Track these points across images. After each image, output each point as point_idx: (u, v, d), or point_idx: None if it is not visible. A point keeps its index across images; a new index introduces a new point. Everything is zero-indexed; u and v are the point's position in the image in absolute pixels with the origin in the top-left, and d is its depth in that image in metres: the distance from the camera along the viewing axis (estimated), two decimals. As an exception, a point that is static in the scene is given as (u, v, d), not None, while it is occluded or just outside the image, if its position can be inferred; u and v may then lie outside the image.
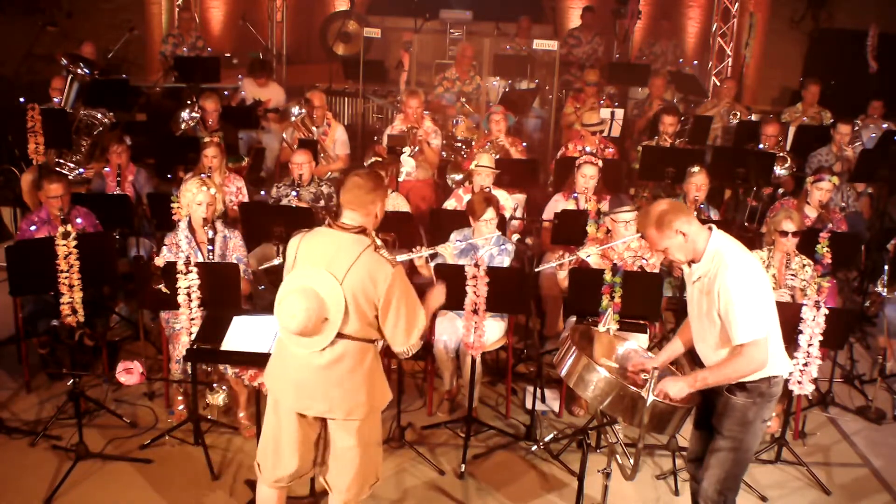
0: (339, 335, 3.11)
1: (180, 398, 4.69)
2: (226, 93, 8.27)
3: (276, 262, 4.74)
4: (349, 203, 3.19)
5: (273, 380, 3.32)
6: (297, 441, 3.29)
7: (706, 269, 3.19)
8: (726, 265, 3.12)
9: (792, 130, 7.75)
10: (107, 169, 6.12)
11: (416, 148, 6.68)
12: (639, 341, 4.11)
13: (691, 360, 3.50)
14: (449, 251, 4.80)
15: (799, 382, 4.28)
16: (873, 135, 7.61)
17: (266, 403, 3.39)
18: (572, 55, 9.97)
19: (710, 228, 3.24)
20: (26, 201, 6.12)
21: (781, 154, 6.91)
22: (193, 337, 4.10)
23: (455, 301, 4.37)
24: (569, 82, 9.42)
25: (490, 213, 4.82)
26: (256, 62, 8.36)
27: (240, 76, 8.74)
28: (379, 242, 3.22)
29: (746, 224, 6.17)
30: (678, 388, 3.19)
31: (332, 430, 3.31)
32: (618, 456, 3.96)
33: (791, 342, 4.19)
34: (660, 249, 3.27)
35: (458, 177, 6.87)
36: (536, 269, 5.02)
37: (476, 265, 4.28)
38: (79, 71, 6.66)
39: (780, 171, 6.81)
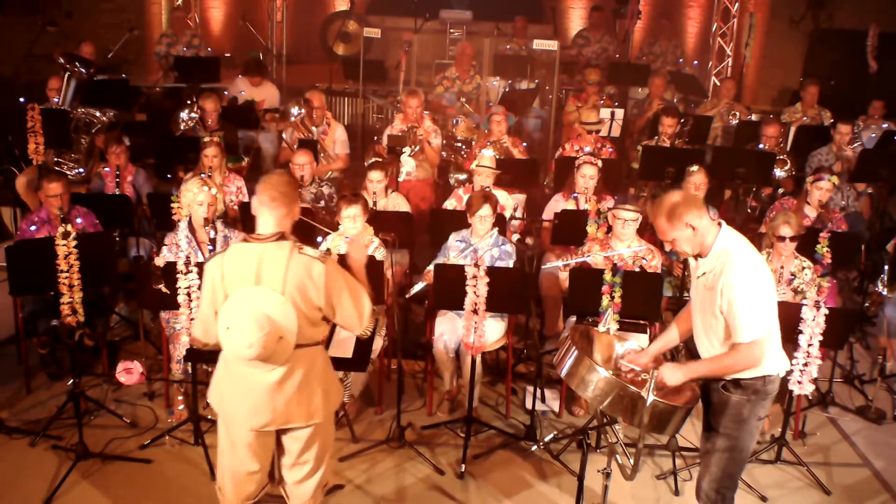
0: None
1: (180, 398, 4.69)
2: (225, 93, 8.26)
3: None
4: (275, 201, 3.03)
5: (222, 401, 3.18)
6: (257, 459, 3.22)
7: (712, 266, 3.20)
8: (732, 263, 3.13)
9: (792, 131, 7.76)
10: (106, 169, 6.12)
11: (417, 147, 6.68)
12: (639, 341, 4.11)
13: (690, 355, 3.50)
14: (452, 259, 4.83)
15: (799, 382, 4.27)
16: (873, 135, 7.61)
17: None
18: (582, 55, 9.96)
19: (719, 224, 3.25)
20: (24, 201, 6.12)
21: (781, 157, 6.90)
22: (193, 337, 4.09)
23: (455, 301, 4.37)
24: (579, 83, 9.36)
25: (486, 210, 4.82)
26: (251, 61, 8.34)
27: (239, 76, 8.75)
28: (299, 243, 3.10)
29: (745, 223, 6.20)
30: (676, 376, 3.21)
31: (289, 440, 3.23)
32: (618, 456, 3.96)
33: (791, 342, 4.19)
34: (668, 240, 3.28)
35: (462, 176, 6.87)
36: (543, 267, 5.04)
37: (476, 265, 4.28)
38: (76, 70, 6.65)
39: (779, 172, 6.81)
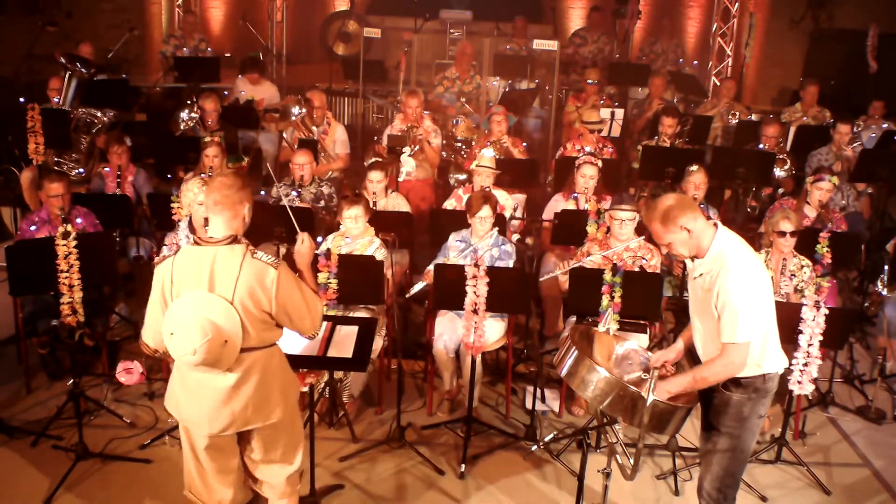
0: (241, 350, 2.98)
1: (180, 398, 4.68)
2: (225, 93, 8.27)
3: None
4: (218, 204, 3.00)
5: (179, 409, 3.14)
6: (222, 462, 3.20)
7: (709, 268, 3.20)
8: (728, 268, 3.12)
9: (792, 130, 7.76)
10: (107, 169, 6.12)
11: (417, 147, 6.68)
12: (639, 341, 4.11)
13: (691, 359, 3.50)
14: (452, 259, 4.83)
15: (799, 382, 4.27)
16: (873, 135, 7.61)
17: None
18: (578, 55, 9.97)
19: (715, 226, 3.24)
20: (26, 200, 6.12)
21: (781, 156, 6.90)
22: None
23: (455, 301, 4.37)
24: (576, 82, 9.38)
25: (486, 211, 4.82)
26: (248, 60, 8.33)
27: (239, 76, 8.75)
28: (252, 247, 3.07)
29: (745, 223, 6.20)
30: (676, 386, 3.20)
31: (254, 439, 3.22)
32: (618, 456, 3.95)
33: (791, 342, 4.19)
34: (663, 243, 3.28)
35: (461, 176, 6.87)
36: (541, 280, 5.05)
37: (476, 265, 4.28)
38: (76, 70, 6.66)
39: (779, 172, 6.81)
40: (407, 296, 5.11)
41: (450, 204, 6.03)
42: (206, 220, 4.55)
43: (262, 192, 6.66)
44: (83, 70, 6.72)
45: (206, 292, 2.94)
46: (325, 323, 3.34)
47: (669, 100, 8.72)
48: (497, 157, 6.24)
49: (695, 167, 5.69)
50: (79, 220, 5.17)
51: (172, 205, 4.97)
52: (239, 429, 3.12)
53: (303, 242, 3.30)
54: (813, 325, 4.22)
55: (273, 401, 3.13)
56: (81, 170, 6.71)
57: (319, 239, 5.02)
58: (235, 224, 3.05)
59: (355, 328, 3.91)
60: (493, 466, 4.44)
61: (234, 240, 3.02)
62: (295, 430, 3.34)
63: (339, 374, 4.70)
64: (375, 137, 7.94)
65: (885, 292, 5.33)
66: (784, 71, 10.69)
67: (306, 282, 3.21)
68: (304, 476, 3.62)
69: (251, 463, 3.31)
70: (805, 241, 4.87)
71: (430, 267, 4.83)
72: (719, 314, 3.14)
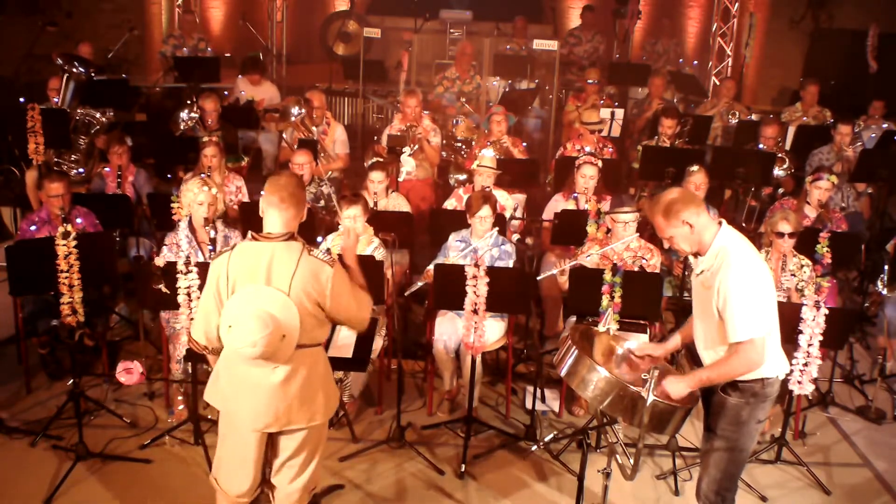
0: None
1: (180, 398, 4.69)
2: (225, 93, 8.27)
3: None
4: (284, 202, 3.04)
5: (225, 401, 3.18)
6: (255, 459, 3.22)
7: (710, 264, 3.19)
8: (729, 264, 3.11)
9: (792, 130, 7.75)
10: (107, 169, 6.12)
11: (416, 147, 6.68)
12: (639, 341, 4.10)
13: (691, 359, 3.50)
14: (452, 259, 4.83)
15: (799, 382, 4.28)
16: (873, 135, 7.61)
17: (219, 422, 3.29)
18: (573, 54, 9.99)
19: (719, 223, 3.24)
20: (30, 198, 6.13)
21: (780, 155, 6.90)
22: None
23: (455, 301, 4.37)
24: (570, 81, 9.42)
25: (486, 211, 4.82)
26: (248, 60, 8.34)
27: (239, 76, 8.75)
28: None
29: (744, 224, 6.20)
30: (679, 388, 3.19)
31: (285, 440, 3.23)
32: (618, 456, 3.96)
33: (791, 342, 4.19)
34: (665, 237, 3.28)
35: (462, 177, 6.88)
36: (538, 278, 5.05)
37: (476, 265, 4.28)
38: (74, 70, 6.66)
39: (778, 171, 6.81)
40: (406, 293, 5.11)
41: (450, 204, 6.03)
42: (206, 219, 4.62)
43: (263, 193, 6.65)
44: (81, 70, 6.72)
45: (265, 286, 2.98)
46: None
47: (669, 100, 8.72)
48: (497, 156, 6.24)
49: (695, 167, 5.69)
50: (79, 220, 5.17)
51: (172, 205, 4.98)
52: (282, 426, 3.14)
53: (348, 237, 3.34)
54: (813, 325, 4.22)
55: (317, 402, 3.16)
56: (81, 170, 6.71)
57: (319, 239, 5.03)
58: (295, 223, 3.11)
59: (355, 328, 3.90)
60: (493, 466, 4.43)
61: (291, 237, 3.07)
62: (321, 441, 3.36)
63: (339, 374, 4.70)
64: (375, 137, 7.95)
65: (885, 292, 5.33)
66: (784, 71, 10.69)
67: (354, 278, 3.25)
68: (320, 485, 3.59)
69: (273, 463, 3.31)
70: (805, 241, 4.87)
71: (431, 267, 4.83)
72: (720, 313, 3.13)
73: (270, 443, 3.27)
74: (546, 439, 4.60)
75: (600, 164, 5.78)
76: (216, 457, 3.34)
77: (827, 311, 4.22)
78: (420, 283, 4.97)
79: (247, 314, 2.93)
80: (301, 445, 3.24)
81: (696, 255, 3.27)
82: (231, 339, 2.96)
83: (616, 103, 8.31)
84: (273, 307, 2.95)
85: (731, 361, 3.14)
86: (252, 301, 2.96)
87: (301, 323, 3.00)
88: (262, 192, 3.14)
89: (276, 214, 3.07)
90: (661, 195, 3.29)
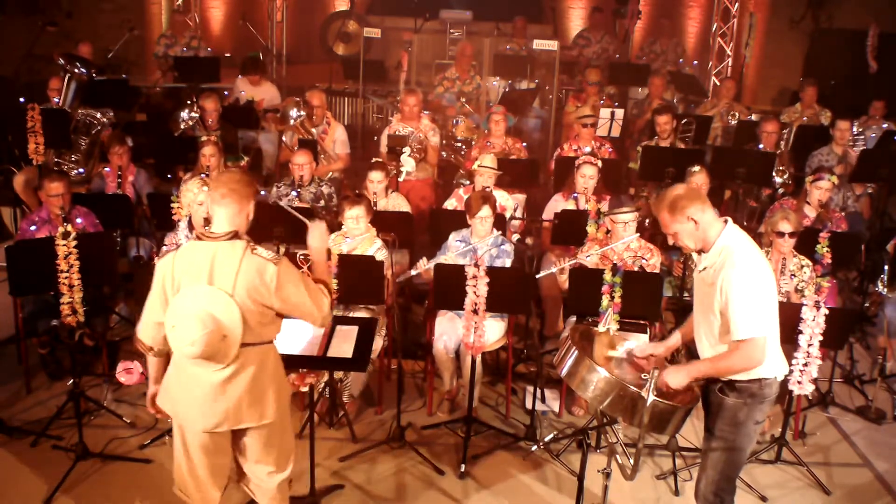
0: (240, 345, 3.01)
1: (180, 398, 4.68)
2: (225, 93, 8.27)
3: None
4: (225, 197, 3.01)
5: (173, 404, 3.16)
6: (213, 461, 3.20)
7: (713, 262, 3.19)
8: (732, 262, 3.11)
9: (792, 130, 7.75)
10: (107, 169, 6.12)
11: (419, 146, 6.70)
12: (639, 341, 4.10)
13: (691, 359, 3.50)
14: (451, 257, 4.82)
15: (799, 382, 4.27)
16: (873, 135, 7.61)
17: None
18: (583, 56, 9.97)
19: (725, 222, 3.23)
20: (22, 199, 6.13)
21: (781, 167, 6.86)
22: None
23: (455, 301, 4.37)
24: (577, 83, 9.37)
25: (486, 211, 4.82)
26: (248, 60, 8.33)
27: (239, 76, 8.75)
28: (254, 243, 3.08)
29: (744, 224, 6.19)
30: (678, 378, 3.18)
31: (248, 439, 3.23)
32: (618, 456, 3.96)
33: (791, 342, 4.19)
34: (670, 233, 3.27)
35: (468, 182, 6.88)
36: (537, 276, 5.03)
37: (476, 265, 4.28)
38: (76, 70, 6.66)
39: (778, 180, 6.81)
40: (398, 280, 5.03)
41: (450, 204, 6.03)
42: (206, 219, 4.60)
43: (263, 192, 6.66)
44: (82, 71, 6.72)
45: (207, 286, 2.96)
46: None
47: (669, 100, 8.72)
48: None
49: (696, 168, 5.69)
50: (79, 220, 5.16)
51: (172, 205, 4.97)
52: (232, 426, 3.12)
53: (313, 234, 3.31)
54: (813, 325, 4.22)
55: (266, 399, 3.14)
56: (81, 170, 6.71)
57: None
58: (239, 220, 3.06)
59: (355, 328, 3.91)
60: (493, 466, 4.43)
61: (234, 236, 3.04)
62: (287, 436, 3.36)
63: (339, 374, 4.70)
64: (375, 137, 7.95)
65: (885, 292, 5.33)
66: (784, 71, 10.69)
67: (317, 272, 3.23)
68: (304, 477, 3.61)
69: (243, 462, 3.31)
70: (805, 241, 4.87)
71: (423, 259, 4.79)
72: (722, 311, 3.13)
73: (235, 446, 3.27)
74: (546, 439, 4.60)
75: (600, 164, 5.78)
76: (175, 468, 3.29)
77: (827, 312, 4.22)
78: (413, 272, 4.90)
79: (188, 314, 2.92)
80: (266, 444, 3.24)
81: (699, 251, 3.27)
82: (174, 338, 2.97)
83: (616, 103, 8.31)
84: (213, 307, 2.93)
85: (732, 357, 3.13)
86: (193, 301, 2.95)
87: (246, 322, 2.98)
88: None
89: (219, 212, 3.05)
90: (666, 191, 3.29)
